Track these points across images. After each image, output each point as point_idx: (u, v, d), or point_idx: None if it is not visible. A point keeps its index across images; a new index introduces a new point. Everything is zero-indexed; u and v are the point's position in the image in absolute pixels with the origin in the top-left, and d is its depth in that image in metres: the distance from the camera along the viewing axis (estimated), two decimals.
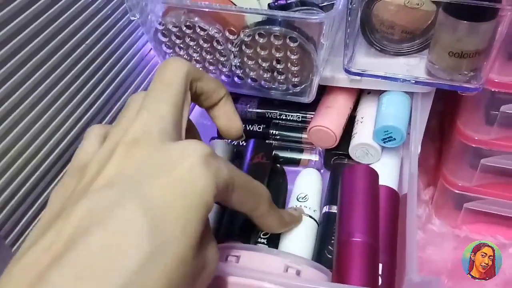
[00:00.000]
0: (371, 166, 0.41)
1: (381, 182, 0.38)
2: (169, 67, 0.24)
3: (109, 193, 0.18)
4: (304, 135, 0.46)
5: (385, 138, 0.39)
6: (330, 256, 0.34)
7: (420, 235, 0.59)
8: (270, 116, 0.47)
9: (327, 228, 0.36)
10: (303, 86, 0.39)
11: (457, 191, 0.56)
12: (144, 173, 0.19)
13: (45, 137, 0.33)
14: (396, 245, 0.34)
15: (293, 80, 0.38)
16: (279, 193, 0.42)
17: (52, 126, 0.34)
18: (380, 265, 0.32)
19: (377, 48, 0.42)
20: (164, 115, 0.22)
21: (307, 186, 0.40)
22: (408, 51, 0.41)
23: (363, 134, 0.41)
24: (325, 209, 0.38)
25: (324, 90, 0.45)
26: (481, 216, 0.57)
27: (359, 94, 0.45)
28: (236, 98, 0.47)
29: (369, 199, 0.34)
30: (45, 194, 0.34)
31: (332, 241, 0.34)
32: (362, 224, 0.32)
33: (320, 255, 0.35)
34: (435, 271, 0.55)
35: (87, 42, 0.36)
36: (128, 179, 0.19)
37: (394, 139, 0.39)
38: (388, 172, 0.40)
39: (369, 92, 0.44)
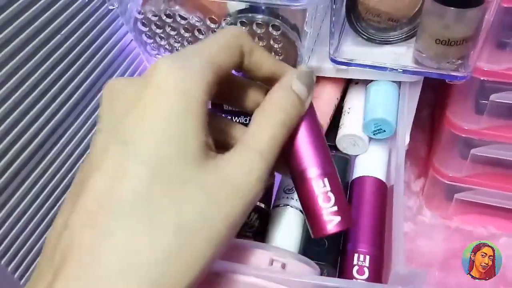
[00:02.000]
0: (359, 156, 0.40)
1: (369, 173, 0.37)
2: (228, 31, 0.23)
3: (97, 140, 0.19)
4: None
5: (375, 131, 0.38)
6: (317, 249, 0.33)
7: (410, 227, 0.59)
8: None
9: None
10: None
11: (447, 182, 0.55)
12: (120, 112, 0.19)
13: (19, 130, 0.32)
14: (383, 236, 0.34)
15: None
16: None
17: (25, 121, 0.33)
18: (367, 257, 0.32)
19: (364, 37, 0.41)
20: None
21: None
22: (395, 40, 0.40)
23: (350, 125, 0.40)
24: None
25: None
26: (472, 206, 0.57)
27: (346, 84, 0.44)
28: None
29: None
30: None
31: None
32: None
33: (307, 248, 0.34)
34: (426, 263, 0.55)
35: (62, 32, 0.35)
36: (108, 122, 0.19)
37: (384, 131, 0.38)
38: (376, 162, 0.39)
39: (357, 82, 0.44)
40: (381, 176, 0.38)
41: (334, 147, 0.42)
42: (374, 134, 0.38)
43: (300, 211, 0.36)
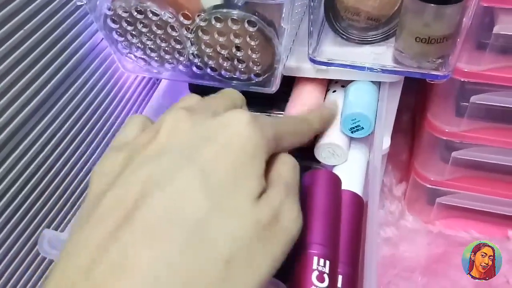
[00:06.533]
0: (337, 167, 0.38)
1: (346, 186, 0.35)
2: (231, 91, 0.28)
3: (164, 160, 0.20)
4: None
5: (353, 128, 0.37)
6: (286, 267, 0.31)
7: (393, 231, 0.58)
8: None
9: None
10: (266, 75, 0.37)
11: (429, 186, 0.55)
12: (194, 140, 0.21)
13: None
14: (358, 254, 0.32)
15: (254, 68, 0.36)
16: None
17: None
18: (340, 277, 0.30)
19: (343, 36, 0.40)
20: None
21: None
22: (374, 39, 0.40)
23: (329, 134, 0.38)
24: None
25: (291, 84, 0.43)
26: (454, 211, 0.56)
27: (325, 94, 0.43)
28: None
29: (330, 207, 0.32)
30: None
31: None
32: (320, 234, 0.30)
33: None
34: (408, 268, 0.54)
35: (25, 28, 0.33)
36: (180, 146, 0.21)
37: (362, 128, 0.37)
38: (354, 175, 0.37)
39: (335, 91, 0.42)
40: (359, 189, 0.36)
41: (311, 158, 0.40)
42: (352, 132, 0.37)
43: None
